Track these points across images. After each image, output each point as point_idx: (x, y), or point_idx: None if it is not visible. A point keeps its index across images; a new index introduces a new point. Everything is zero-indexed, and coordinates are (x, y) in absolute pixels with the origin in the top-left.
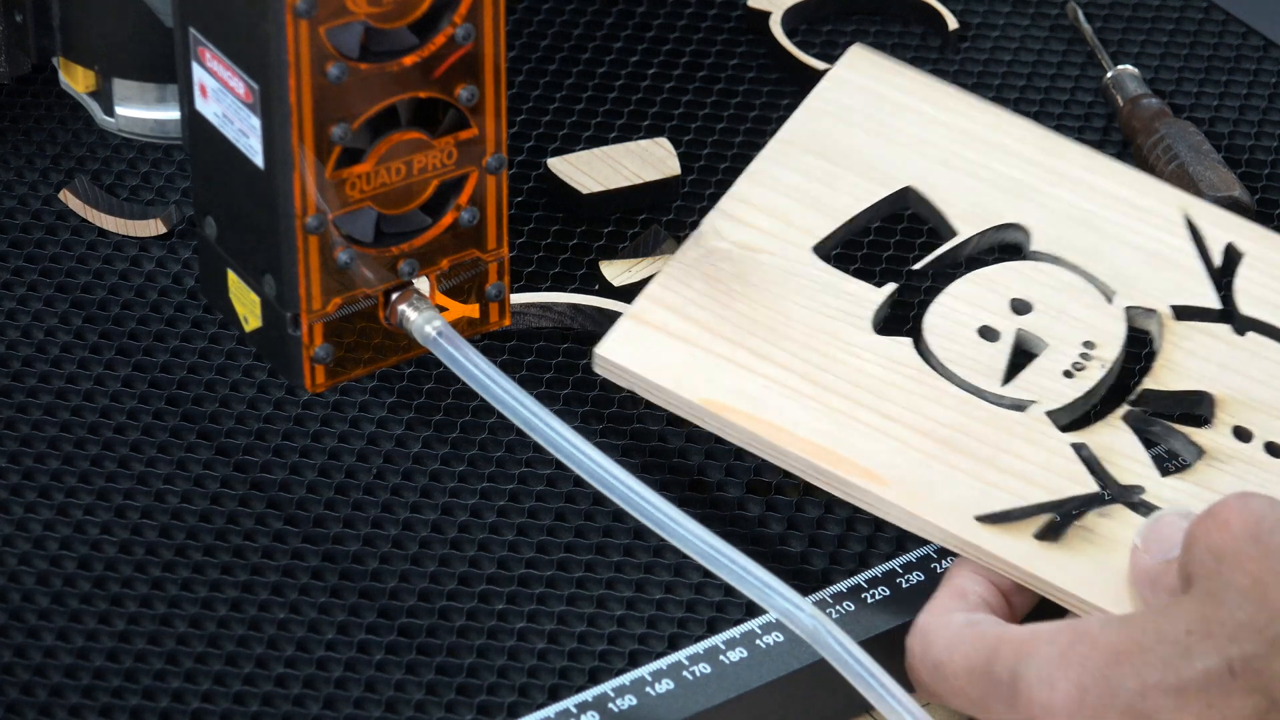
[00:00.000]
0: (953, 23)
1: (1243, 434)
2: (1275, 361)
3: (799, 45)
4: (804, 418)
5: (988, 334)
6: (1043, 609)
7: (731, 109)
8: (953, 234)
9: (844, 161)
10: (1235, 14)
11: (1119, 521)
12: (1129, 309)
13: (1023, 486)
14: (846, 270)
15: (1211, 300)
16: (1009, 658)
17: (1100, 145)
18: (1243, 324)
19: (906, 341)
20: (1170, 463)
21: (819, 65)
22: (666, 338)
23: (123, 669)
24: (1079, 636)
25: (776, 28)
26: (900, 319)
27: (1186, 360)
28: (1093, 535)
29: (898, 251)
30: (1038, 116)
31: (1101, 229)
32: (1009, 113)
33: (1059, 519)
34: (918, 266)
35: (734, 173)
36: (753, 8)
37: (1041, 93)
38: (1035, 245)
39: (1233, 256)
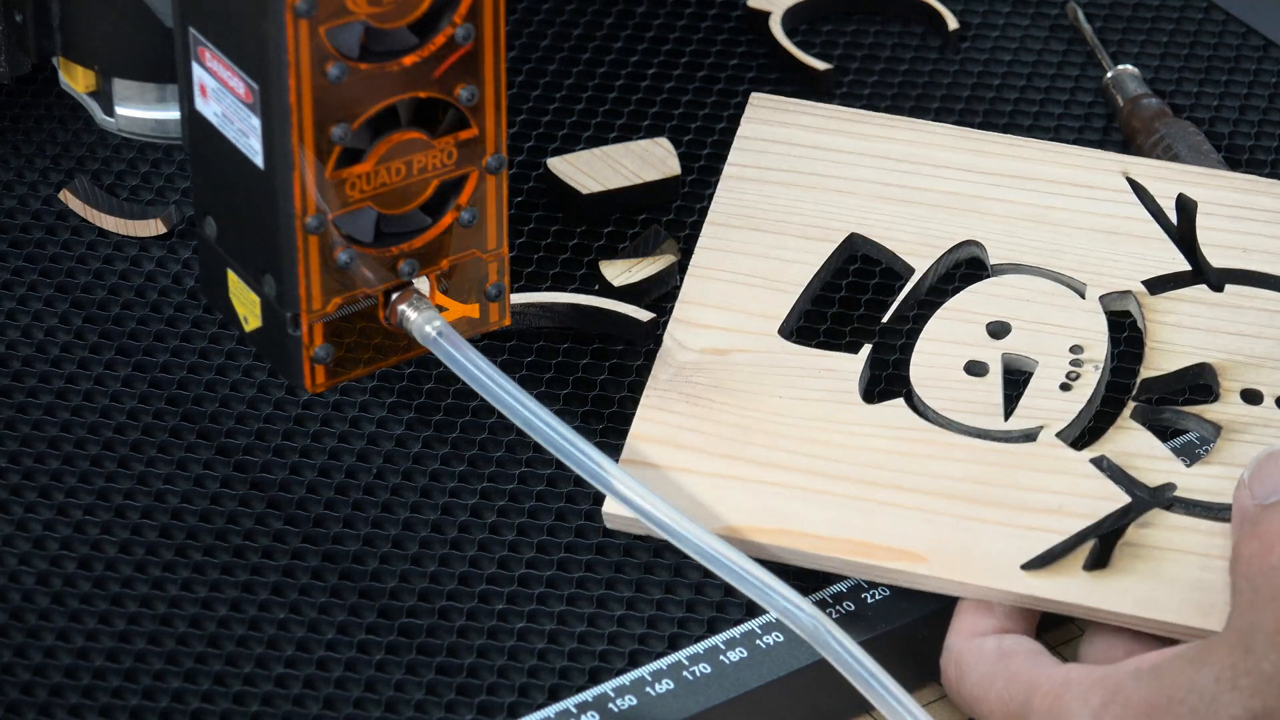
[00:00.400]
0: (953, 23)
1: (1252, 396)
2: (1260, 309)
3: (799, 45)
4: (824, 516)
5: (975, 369)
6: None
7: (731, 109)
8: (909, 270)
9: (780, 227)
10: (1235, 14)
11: (1160, 527)
12: (1103, 297)
13: (1057, 520)
14: (818, 339)
15: (1180, 262)
16: (1043, 712)
17: (1100, 145)
18: (1217, 278)
19: (899, 403)
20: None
21: (819, 65)
22: (666, 474)
23: (123, 669)
24: (1112, 695)
25: (776, 28)
26: (885, 379)
27: (1174, 335)
28: (1140, 549)
29: (862, 303)
30: (1038, 116)
31: (1051, 220)
32: (924, 122)
33: (1101, 543)
34: (885, 319)
35: None
36: (753, 8)
37: (1041, 93)
38: (993, 257)
39: (1187, 209)
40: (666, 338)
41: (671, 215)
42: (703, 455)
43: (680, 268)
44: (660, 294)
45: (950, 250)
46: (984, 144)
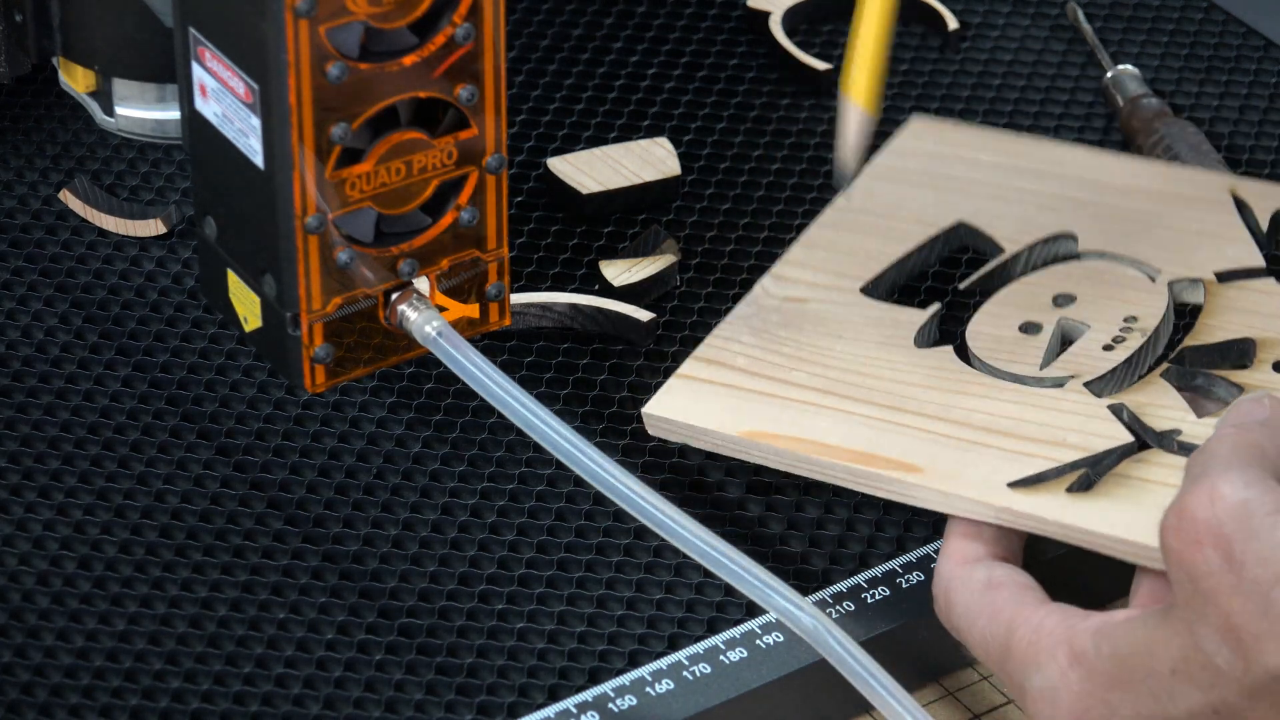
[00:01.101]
0: (953, 23)
1: None
2: None
3: (799, 45)
4: (841, 430)
5: (1029, 329)
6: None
7: (731, 109)
8: (1001, 253)
9: (897, 213)
10: (1235, 14)
11: (1153, 464)
12: (1172, 283)
13: (1057, 451)
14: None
15: (1259, 263)
16: (1019, 659)
17: (1100, 145)
18: None
19: (947, 349)
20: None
21: (819, 65)
22: (711, 387)
23: (123, 669)
24: (1077, 656)
25: (776, 28)
26: (950, 337)
27: (1228, 314)
28: (1126, 479)
29: (955, 281)
30: (1038, 116)
31: (1147, 220)
32: (1064, 144)
33: (1092, 473)
34: (964, 285)
35: (734, 172)
36: (753, 8)
37: (1041, 93)
38: (1084, 248)
39: (1279, 222)
40: (756, 286)
41: (671, 215)
42: (747, 375)
43: (680, 267)
44: (660, 294)
45: (1045, 241)
46: (1110, 161)
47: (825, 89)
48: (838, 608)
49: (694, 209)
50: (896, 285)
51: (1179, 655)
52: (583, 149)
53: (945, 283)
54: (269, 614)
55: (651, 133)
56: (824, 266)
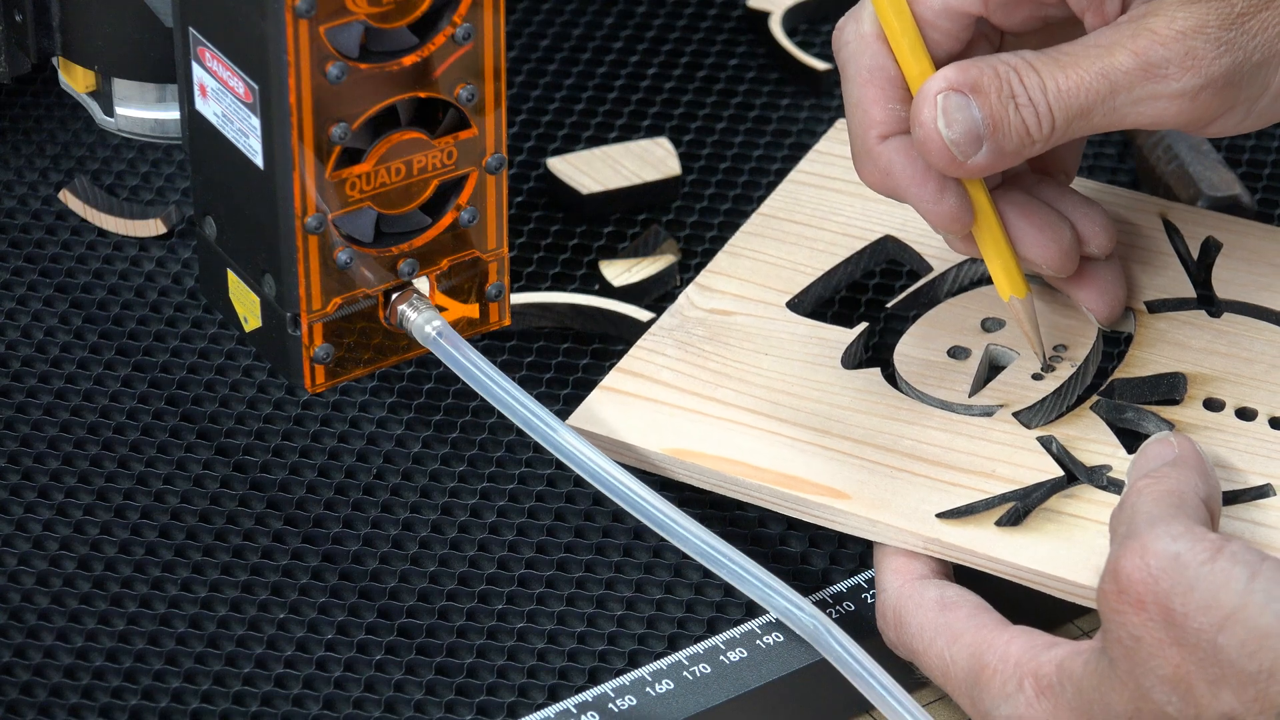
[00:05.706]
0: None
1: (1214, 404)
2: (1251, 336)
3: (799, 45)
4: (768, 451)
5: (957, 353)
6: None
7: (731, 109)
8: (930, 271)
9: (823, 223)
10: None
11: (1084, 500)
12: None
13: (987, 483)
14: (827, 321)
15: (1189, 293)
16: (986, 687)
17: (1100, 145)
18: (1219, 307)
19: (875, 372)
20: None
21: (819, 65)
22: (636, 401)
23: (122, 669)
24: (1044, 689)
25: (776, 28)
26: (875, 357)
27: (1159, 346)
28: (1056, 515)
29: (881, 297)
30: None
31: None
32: None
33: (1021, 506)
34: (891, 304)
35: (734, 172)
36: (753, 8)
37: None
38: None
39: (1210, 248)
40: (681, 295)
41: (671, 215)
42: (672, 390)
43: (680, 267)
44: (660, 294)
45: (973, 260)
46: None
47: (825, 89)
48: (838, 608)
49: (694, 209)
50: (822, 299)
51: (1131, 705)
52: (583, 149)
53: (873, 296)
54: (269, 614)
55: (651, 133)
56: (749, 277)
